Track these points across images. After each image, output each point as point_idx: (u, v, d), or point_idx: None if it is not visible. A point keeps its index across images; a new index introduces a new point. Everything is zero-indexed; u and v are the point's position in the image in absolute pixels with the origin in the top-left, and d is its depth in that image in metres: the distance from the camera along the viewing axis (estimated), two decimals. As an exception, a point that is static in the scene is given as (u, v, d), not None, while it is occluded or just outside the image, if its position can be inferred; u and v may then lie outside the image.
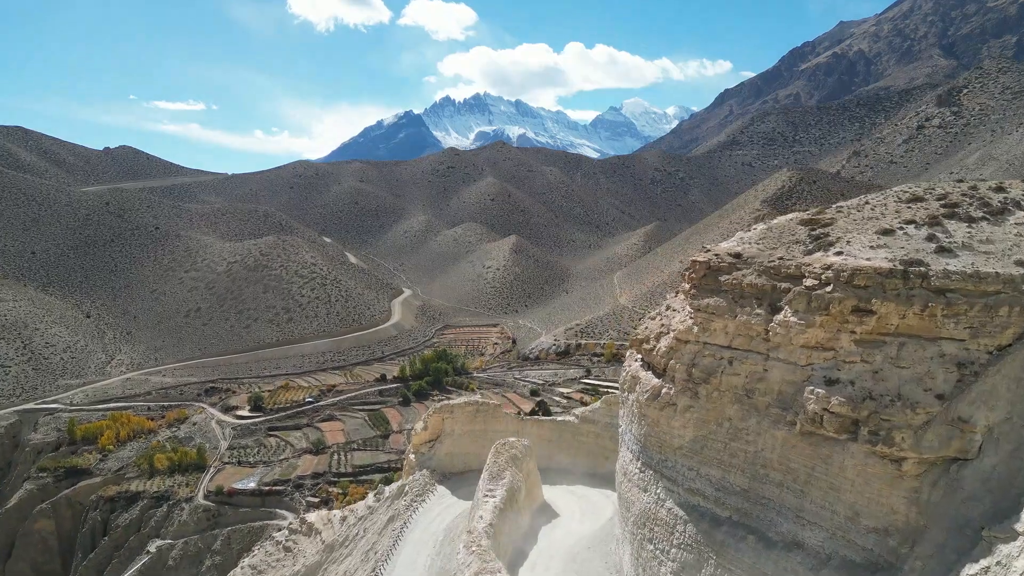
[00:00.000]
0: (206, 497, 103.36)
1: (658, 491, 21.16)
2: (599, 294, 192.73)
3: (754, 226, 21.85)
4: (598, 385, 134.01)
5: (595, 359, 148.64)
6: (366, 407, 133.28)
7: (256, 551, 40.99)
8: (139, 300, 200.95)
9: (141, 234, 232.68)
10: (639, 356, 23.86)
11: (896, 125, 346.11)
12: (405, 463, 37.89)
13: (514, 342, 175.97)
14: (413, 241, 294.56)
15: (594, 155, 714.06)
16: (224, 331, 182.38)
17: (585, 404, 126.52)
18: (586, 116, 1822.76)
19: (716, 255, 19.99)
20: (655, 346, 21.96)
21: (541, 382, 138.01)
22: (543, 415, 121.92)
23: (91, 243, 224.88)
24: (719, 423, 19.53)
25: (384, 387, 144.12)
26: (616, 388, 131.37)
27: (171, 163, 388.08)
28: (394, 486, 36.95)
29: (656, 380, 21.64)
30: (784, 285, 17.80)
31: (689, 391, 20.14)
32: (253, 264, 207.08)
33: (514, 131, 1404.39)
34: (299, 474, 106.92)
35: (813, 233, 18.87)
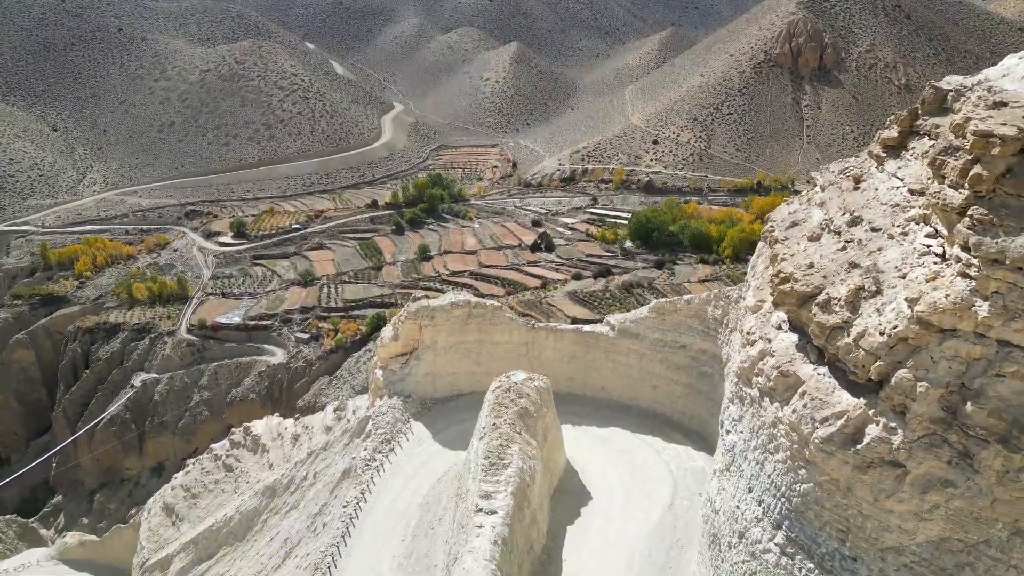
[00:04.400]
0: (189, 331, 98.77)
1: None
2: (608, 112, 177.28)
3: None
4: (605, 215, 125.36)
5: (602, 186, 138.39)
6: (357, 235, 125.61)
7: (191, 467, 34.23)
8: (108, 112, 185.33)
9: (104, 36, 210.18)
10: (790, 320, 12.23)
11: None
12: (371, 382, 29.19)
13: (514, 166, 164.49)
14: (404, 48, 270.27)
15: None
16: (201, 148, 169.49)
17: (591, 237, 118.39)
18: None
19: None
20: (845, 324, 10.51)
21: (544, 211, 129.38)
22: (546, 248, 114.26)
23: (49, 46, 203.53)
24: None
25: (376, 214, 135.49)
26: (626, 220, 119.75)
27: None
28: (358, 408, 28.64)
29: (852, 400, 10.54)
30: None
31: (949, 449, 9.64)
32: (228, 73, 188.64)
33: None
34: (287, 308, 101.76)
35: None
